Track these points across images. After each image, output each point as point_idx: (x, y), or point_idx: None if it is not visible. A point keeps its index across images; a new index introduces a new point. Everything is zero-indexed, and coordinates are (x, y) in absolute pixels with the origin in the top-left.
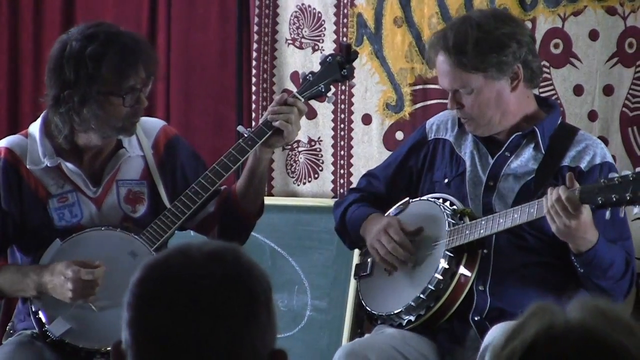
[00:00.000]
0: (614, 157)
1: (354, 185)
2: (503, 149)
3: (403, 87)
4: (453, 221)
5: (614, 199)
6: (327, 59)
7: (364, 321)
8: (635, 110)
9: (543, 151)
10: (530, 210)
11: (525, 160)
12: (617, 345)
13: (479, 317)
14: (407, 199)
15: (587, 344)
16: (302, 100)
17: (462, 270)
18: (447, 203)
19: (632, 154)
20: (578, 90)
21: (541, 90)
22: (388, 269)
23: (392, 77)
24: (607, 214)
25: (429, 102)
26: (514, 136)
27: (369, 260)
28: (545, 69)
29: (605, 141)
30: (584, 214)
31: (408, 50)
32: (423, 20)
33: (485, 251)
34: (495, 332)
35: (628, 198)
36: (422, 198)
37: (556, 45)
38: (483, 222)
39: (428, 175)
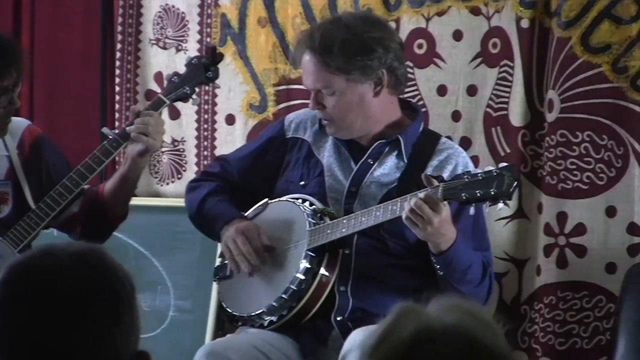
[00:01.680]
0: (477, 157)
1: (207, 169)
2: (366, 155)
3: (267, 87)
4: (314, 221)
5: (479, 195)
6: (193, 61)
7: (225, 322)
8: (499, 111)
9: (405, 160)
10: (392, 207)
11: (388, 168)
12: (490, 344)
13: (341, 318)
14: (266, 200)
15: (465, 343)
16: (167, 102)
17: (324, 270)
18: (307, 203)
19: (496, 154)
20: (442, 90)
21: (405, 90)
22: (233, 269)
23: (256, 78)
24: (472, 209)
25: (292, 103)
26: (377, 143)
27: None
28: (409, 69)
29: (469, 142)
30: (444, 211)
31: (272, 50)
32: (287, 21)
33: (347, 251)
34: (357, 336)
35: (492, 194)
36: (281, 199)
37: (420, 46)
38: (345, 221)
39: (284, 174)
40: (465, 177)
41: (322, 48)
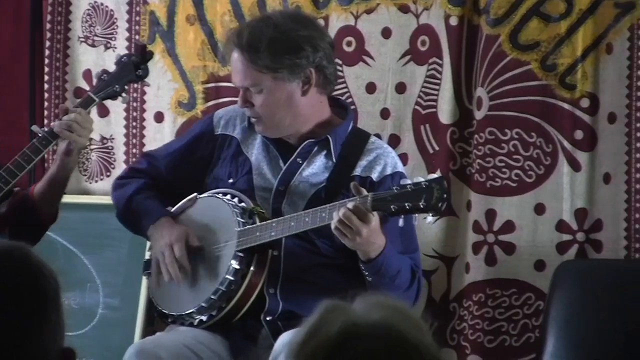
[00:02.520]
0: (406, 155)
1: (134, 165)
2: (295, 155)
3: (195, 85)
4: (243, 220)
5: (407, 207)
6: (122, 59)
7: (155, 318)
8: (427, 108)
9: (334, 160)
10: (321, 214)
11: (317, 168)
12: (417, 340)
13: (271, 318)
14: (195, 194)
15: (391, 340)
16: (97, 100)
17: (253, 271)
18: (236, 199)
19: (425, 152)
20: (371, 88)
21: (334, 89)
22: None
23: (185, 75)
24: (401, 221)
25: (221, 100)
26: (305, 143)
27: None
28: (338, 67)
29: (397, 139)
30: (373, 221)
31: (200, 48)
32: (216, 18)
33: (275, 253)
34: (287, 338)
35: (421, 206)
36: (210, 194)
37: (349, 43)
38: (274, 225)
39: (213, 171)
40: (394, 187)
41: (249, 46)
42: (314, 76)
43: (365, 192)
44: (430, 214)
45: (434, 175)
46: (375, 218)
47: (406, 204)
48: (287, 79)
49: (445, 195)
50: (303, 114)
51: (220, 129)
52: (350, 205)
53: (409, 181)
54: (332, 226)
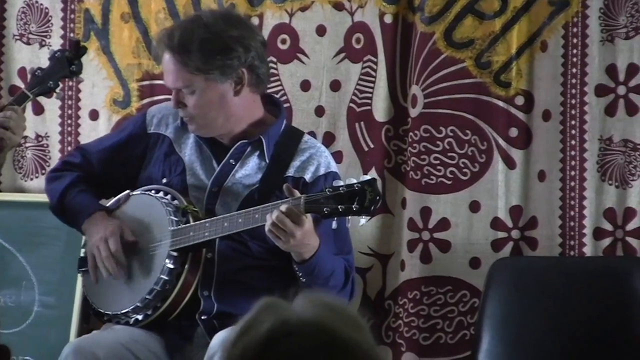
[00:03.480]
0: (341, 152)
1: (67, 159)
2: (228, 156)
3: (130, 82)
4: (176, 219)
5: (340, 210)
6: (56, 55)
7: (91, 316)
8: (362, 106)
9: (267, 160)
10: (254, 216)
11: (250, 169)
12: (349, 339)
13: (206, 317)
14: (128, 192)
15: (321, 338)
16: (31, 96)
17: (188, 269)
18: (169, 197)
19: (360, 149)
20: (305, 85)
21: (268, 86)
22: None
23: (120, 73)
24: (334, 223)
25: (156, 98)
26: (238, 143)
27: None
28: (272, 65)
29: (332, 137)
30: (306, 223)
31: (135, 46)
32: (150, 16)
33: (209, 255)
34: (222, 336)
35: (354, 209)
36: (143, 191)
37: (283, 41)
38: (207, 225)
39: (146, 170)
40: (327, 189)
41: (180, 48)
42: (246, 76)
43: (298, 193)
44: (363, 216)
45: (367, 177)
46: (308, 220)
47: (339, 207)
48: (219, 80)
49: (378, 198)
50: (236, 114)
51: (153, 128)
52: (283, 207)
53: (341, 182)
54: (266, 229)
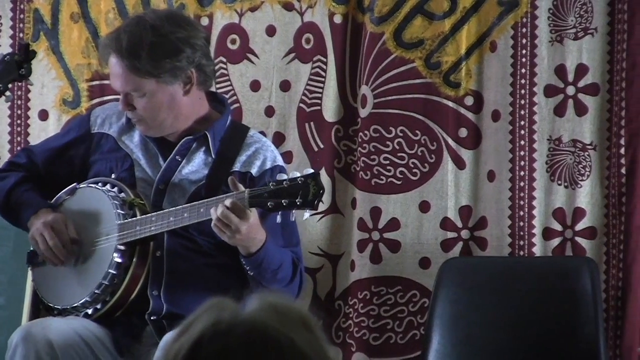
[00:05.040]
0: (291, 152)
1: (13, 159)
2: (174, 153)
3: (80, 82)
4: (123, 212)
5: (284, 204)
6: (5, 58)
7: (41, 312)
8: (312, 106)
9: (213, 156)
10: (199, 210)
11: (196, 165)
12: (282, 338)
13: (155, 317)
14: (75, 185)
15: (251, 338)
16: None
17: (136, 263)
18: (116, 189)
19: (309, 149)
20: (255, 85)
21: (218, 86)
22: (50, 263)
23: (69, 73)
24: (278, 217)
25: (106, 98)
26: (184, 140)
27: None
28: (222, 65)
29: (282, 137)
30: (252, 217)
31: (85, 46)
32: (100, 16)
33: (158, 253)
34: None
35: (298, 203)
36: (89, 184)
37: (233, 41)
38: (153, 219)
39: (92, 169)
40: (270, 184)
41: (129, 53)
42: (195, 75)
43: (242, 187)
44: (307, 210)
45: (310, 171)
46: (253, 214)
47: (283, 201)
48: (169, 82)
49: (321, 191)
50: (184, 113)
51: (97, 128)
52: (227, 202)
53: (285, 176)
54: (212, 224)
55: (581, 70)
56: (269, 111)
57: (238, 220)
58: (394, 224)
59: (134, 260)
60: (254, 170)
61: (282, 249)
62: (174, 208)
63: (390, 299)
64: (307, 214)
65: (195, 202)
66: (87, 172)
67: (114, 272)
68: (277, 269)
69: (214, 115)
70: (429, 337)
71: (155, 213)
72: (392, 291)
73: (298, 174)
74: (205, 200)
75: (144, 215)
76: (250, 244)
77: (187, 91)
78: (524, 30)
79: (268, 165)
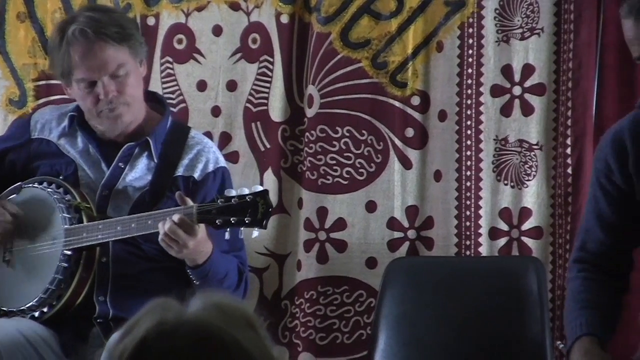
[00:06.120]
0: (237, 152)
1: None
2: (116, 159)
3: (26, 82)
4: (69, 216)
5: (232, 222)
6: None
7: None
8: (259, 106)
9: (156, 160)
10: (147, 222)
11: (140, 171)
12: (227, 337)
13: (102, 320)
14: (20, 183)
15: (196, 338)
16: None
17: (83, 265)
18: (62, 190)
19: (256, 149)
20: (201, 85)
21: (164, 86)
22: None
23: (15, 73)
24: (227, 234)
25: (52, 98)
26: (125, 146)
27: None
28: (168, 65)
29: (229, 137)
30: (199, 233)
31: (31, 45)
32: (46, 16)
33: (103, 259)
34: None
35: (247, 221)
36: (35, 184)
37: (180, 41)
38: (100, 227)
39: (38, 172)
40: (219, 200)
41: (95, 30)
42: (144, 64)
43: (190, 202)
44: (256, 229)
45: (259, 188)
46: (201, 229)
47: (231, 219)
48: (136, 55)
49: (270, 210)
50: (140, 100)
51: (37, 133)
52: (175, 218)
53: (233, 192)
54: (159, 238)
55: (528, 70)
56: (216, 111)
57: (186, 235)
58: (340, 224)
59: (80, 265)
60: (196, 175)
61: (227, 257)
62: (121, 217)
63: (337, 299)
64: (255, 232)
65: (143, 214)
66: (32, 176)
67: (61, 277)
68: (223, 278)
69: (154, 117)
70: (376, 336)
71: (103, 221)
72: (338, 291)
73: (247, 191)
74: (153, 212)
75: (91, 223)
76: (197, 256)
77: (141, 75)
78: (470, 30)
79: (210, 167)
